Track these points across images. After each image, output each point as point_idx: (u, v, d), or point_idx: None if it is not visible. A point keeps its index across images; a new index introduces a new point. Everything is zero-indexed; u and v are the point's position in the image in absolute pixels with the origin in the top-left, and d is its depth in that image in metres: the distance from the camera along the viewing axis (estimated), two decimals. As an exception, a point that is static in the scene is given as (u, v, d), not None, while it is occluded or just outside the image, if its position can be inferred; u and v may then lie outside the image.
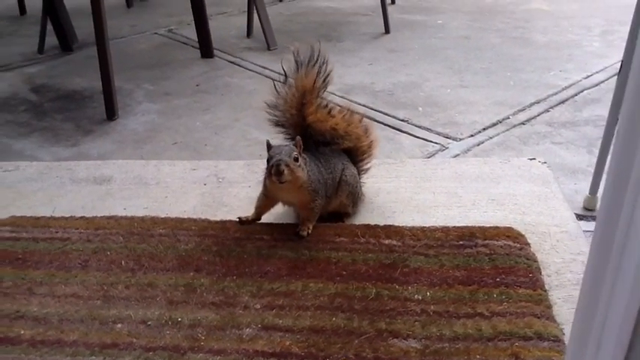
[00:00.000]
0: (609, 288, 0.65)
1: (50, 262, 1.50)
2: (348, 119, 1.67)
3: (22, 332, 1.28)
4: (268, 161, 1.46)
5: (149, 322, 1.29)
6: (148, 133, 2.39)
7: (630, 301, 0.61)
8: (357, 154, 1.71)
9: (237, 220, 1.62)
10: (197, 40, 3.21)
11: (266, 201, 1.61)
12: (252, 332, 1.25)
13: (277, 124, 1.66)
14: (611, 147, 1.62)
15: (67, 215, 1.70)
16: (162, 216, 1.68)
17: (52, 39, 3.31)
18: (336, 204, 1.64)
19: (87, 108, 2.64)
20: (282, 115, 1.64)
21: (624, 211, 0.62)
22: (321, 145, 1.65)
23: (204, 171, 1.96)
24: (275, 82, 1.65)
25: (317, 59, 1.59)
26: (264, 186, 1.58)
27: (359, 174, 1.73)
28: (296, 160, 1.46)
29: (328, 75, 1.61)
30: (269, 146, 1.51)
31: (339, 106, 1.69)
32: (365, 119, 1.72)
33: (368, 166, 1.75)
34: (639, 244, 0.59)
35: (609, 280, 0.65)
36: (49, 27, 3.26)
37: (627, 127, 0.61)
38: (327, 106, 1.63)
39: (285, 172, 1.43)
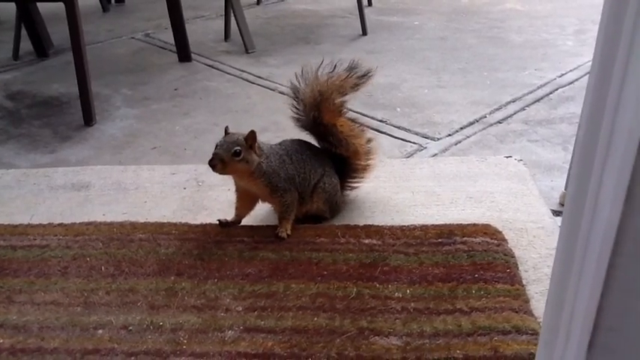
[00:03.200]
0: (576, 279, 0.68)
1: (29, 270, 1.48)
2: (356, 132, 1.70)
3: (2, 341, 1.27)
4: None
5: (130, 328, 1.29)
6: (127, 138, 2.38)
7: (593, 289, 0.63)
8: (350, 170, 1.73)
9: (218, 222, 1.63)
10: (175, 44, 3.20)
11: (240, 198, 1.63)
12: (235, 334, 1.26)
13: (295, 101, 1.69)
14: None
15: (45, 222, 1.68)
16: (142, 221, 1.67)
17: (27, 45, 3.28)
18: (311, 208, 1.65)
19: (64, 114, 2.61)
20: (299, 99, 1.67)
21: (587, 205, 0.64)
22: (318, 139, 1.68)
23: (183, 175, 1.96)
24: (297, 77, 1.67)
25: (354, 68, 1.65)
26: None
27: (344, 188, 1.74)
28: (236, 154, 1.48)
29: (357, 85, 1.66)
30: (226, 132, 1.54)
31: (354, 117, 1.74)
32: (373, 143, 1.75)
33: (356, 185, 1.77)
34: (602, 236, 0.62)
35: (576, 272, 0.68)
36: (24, 33, 3.23)
37: (588, 123, 0.63)
38: (341, 105, 1.66)
39: (218, 166, 1.47)
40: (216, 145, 1.49)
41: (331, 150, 1.70)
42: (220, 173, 1.49)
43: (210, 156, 1.49)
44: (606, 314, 0.64)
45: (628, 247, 0.60)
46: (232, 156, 1.48)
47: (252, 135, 1.52)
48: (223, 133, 1.56)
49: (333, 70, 1.63)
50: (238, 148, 1.48)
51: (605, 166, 0.62)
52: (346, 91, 1.65)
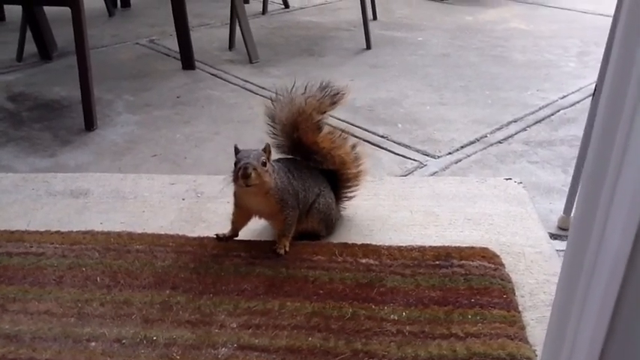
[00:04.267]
0: (579, 309, 0.66)
1: (24, 278, 1.48)
2: (338, 143, 1.68)
3: (-7, 350, 1.26)
4: (235, 165, 1.46)
5: (124, 341, 1.28)
6: (127, 144, 2.37)
7: (598, 323, 0.62)
8: (341, 180, 1.72)
9: (215, 236, 1.62)
10: (179, 51, 3.20)
11: (239, 213, 1.61)
12: (228, 352, 1.25)
13: (273, 132, 1.68)
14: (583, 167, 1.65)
15: (42, 229, 1.68)
16: (140, 231, 1.67)
17: (31, 47, 3.28)
18: (307, 227, 1.64)
19: (65, 118, 2.61)
20: (276, 125, 1.66)
21: (595, 232, 0.63)
22: (301, 157, 1.66)
23: (183, 185, 1.95)
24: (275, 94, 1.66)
25: (326, 88, 1.63)
26: (234, 194, 1.58)
27: (341, 200, 1.74)
28: (263, 164, 1.46)
29: (334, 103, 1.64)
30: (237, 150, 1.51)
31: (332, 128, 1.70)
32: (359, 149, 1.74)
33: (352, 194, 1.76)
34: (609, 266, 0.60)
35: (579, 301, 0.66)
36: (29, 34, 3.23)
37: (598, 147, 0.62)
38: (318, 122, 1.65)
39: (253, 175, 1.43)
40: (240, 158, 1.45)
41: (319, 166, 1.69)
42: (251, 184, 1.44)
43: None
44: (612, 348, 0.62)
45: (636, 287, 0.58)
46: (262, 165, 1.46)
47: (269, 148, 1.52)
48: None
49: (305, 91, 1.62)
50: (264, 158, 1.47)
51: (615, 193, 0.60)
52: (325, 110, 1.64)
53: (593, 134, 0.64)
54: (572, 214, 1.82)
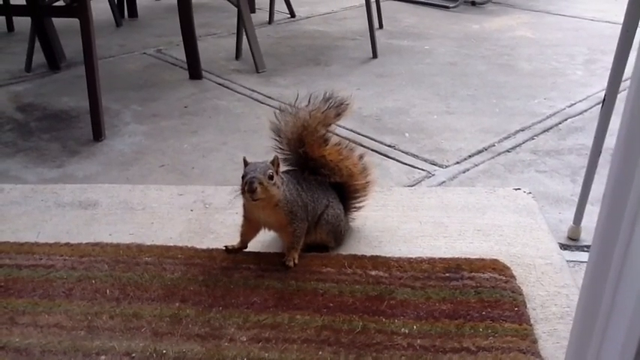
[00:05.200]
0: (603, 327, 0.64)
1: (33, 290, 1.48)
2: (345, 154, 1.67)
3: (3, 364, 1.26)
4: (243, 178, 1.46)
5: (133, 354, 1.28)
6: (135, 154, 2.38)
7: (628, 337, 0.59)
8: (349, 191, 1.71)
9: (224, 248, 1.62)
10: (186, 61, 3.21)
11: (247, 225, 1.61)
12: (238, 366, 1.24)
13: (279, 147, 1.67)
14: (603, 176, 1.64)
15: (51, 241, 1.68)
16: (149, 243, 1.67)
17: (39, 57, 3.30)
18: (316, 239, 1.63)
19: (73, 128, 2.62)
20: (281, 139, 1.66)
21: (619, 245, 0.61)
22: (308, 172, 1.66)
23: (191, 196, 1.95)
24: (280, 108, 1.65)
25: (330, 99, 1.62)
26: (243, 206, 1.58)
27: (349, 211, 1.73)
28: (271, 178, 1.46)
29: (338, 115, 1.63)
30: (245, 163, 1.51)
31: (339, 138, 1.70)
32: (366, 159, 1.73)
33: (361, 205, 1.75)
34: (636, 279, 0.58)
35: (603, 317, 0.63)
36: (37, 45, 3.25)
37: (622, 157, 0.61)
38: (324, 134, 1.64)
39: (258, 189, 1.42)
40: (247, 172, 1.45)
41: (327, 179, 1.68)
42: (257, 198, 1.44)
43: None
44: None
45: None
46: (268, 179, 1.45)
47: (277, 160, 1.51)
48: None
49: (309, 104, 1.61)
50: (271, 171, 1.47)
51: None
52: (330, 122, 1.64)
53: (616, 141, 0.63)
54: (581, 224, 1.81)
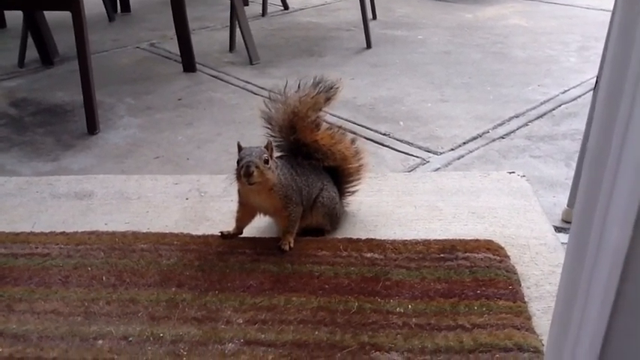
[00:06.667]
0: (582, 303, 0.67)
1: (30, 278, 1.48)
2: (337, 138, 1.68)
3: (1, 350, 1.26)
4: (238, 162, 1.46)
5: (130, 339, 1.28)
6: (130, 147, 2.38)
7: (601, 314, 0.62)
8: (343, 175, 1.72)
9: (220, 234, 1.62)
10: (179, 54, 3.21)
11: (243, 210, 1.61)
12: (235, 347, 1.25)
13: (270, 129, 1.67)
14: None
15: (47, 231, 1.68)
16: (144, 231, 1.67)
17: (32, 52, 3.29)
18: (312, 222, 1.64)
19: (68, 122, 2.62)
20: (273, 127, 1.66)
21: (595, 223, 0.63)
22: (301, 157, 1.66)
23: (186, 185, 1.96)
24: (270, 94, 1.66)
25: (319, 83, 1.62)
26: (238, 192, 1.58)
27: (344, 195, 1.74)
28: (266, 162, 1.46)
29: (329, 99, 1.63)
30: (240, 148, 1.51)
31: (330, 123, 1.70)
32: (358, 142, 1.73)
33: (355, 188, 1.76)
34: (610, 255, 0.61)
35: (583, 289, 0.67)
36: (30, 40, 3.25)
37: (597, 140, 0.63)
38: (315, 120, 1.64)
39: (255, 173, 1.42)
40: (242, 157, 1.45)
41: (321, 164, 1.69)
42: (254, 182, 1.44)
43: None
44: (613, 339, 0.62)
45: (636, 273, 0.59)
46: (264, 163, 1.46)
47: (271, 145, 1.51)
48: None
49: (298, 89, 1.61)
50: (266, 155, 1.47)
51: (615, 186, 0.60)
52: (320, 107, 1.64)
53: (592, 129, 0.65)
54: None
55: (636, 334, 0.62)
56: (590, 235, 0.64)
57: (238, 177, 1.46)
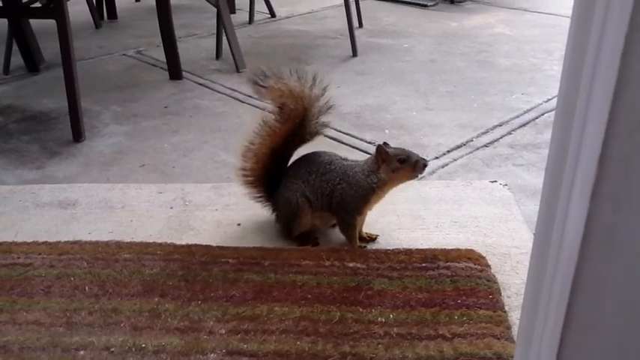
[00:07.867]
0: (547, 293, 0.71)
1: (11, 289, 1.47)
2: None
3: (-19, 361, 1.26)
4: (403, 160, 1.58)
5: (112, 349, 1.28)
6: (115, 155, 2.38)
7: (559, 304, 0.66)
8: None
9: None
10: (166, 61, 3.21)
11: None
12: (217, 357, 1.25)
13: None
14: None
15: (29, 240, 1.67)
16: (128, 240, 1.67)
17: (18, 59, 3.28)
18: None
19: (53, 129, 2.61)
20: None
21: (557, 221, 0.67)
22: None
23: (170, 194, 1.96)
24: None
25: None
26: (370, 199, 1.62)
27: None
28: None
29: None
30: (385, 145, 1.63)
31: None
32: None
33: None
34: (570, 239, 0.64)
35: (547, 289, 0.71)
36: (15, 47, 3.23)
37: (556, 152, 0.66)
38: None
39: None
40: (409, 154, 1.60)
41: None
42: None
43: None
44: (576, 313, 0.67)
45: (594, 249, 0.63)
46: None
47: (383, 148, 1.63)
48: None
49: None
50: None
51: (570, 197, 0.64)
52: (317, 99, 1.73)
53: (550, 140, 0.70)
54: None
55: (591, 326, 0.66)
56: (551, 240, 0.67)
57: (412, 170, 1.58)
